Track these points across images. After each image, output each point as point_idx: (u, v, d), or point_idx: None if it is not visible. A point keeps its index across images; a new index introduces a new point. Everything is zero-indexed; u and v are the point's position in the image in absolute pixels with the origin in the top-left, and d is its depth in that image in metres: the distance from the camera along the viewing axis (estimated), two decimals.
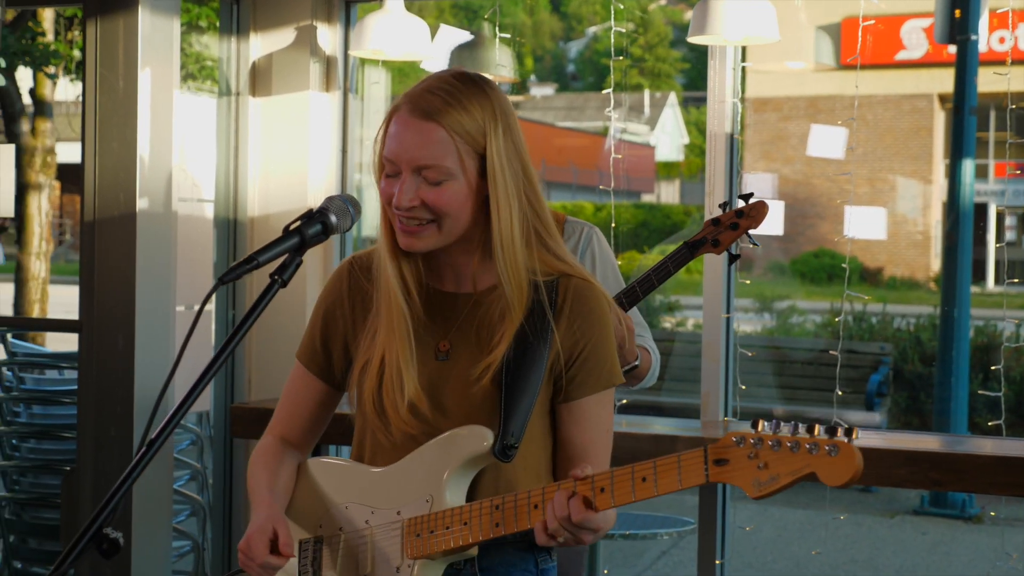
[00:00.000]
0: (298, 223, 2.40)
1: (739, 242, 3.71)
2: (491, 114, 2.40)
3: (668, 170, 38.33)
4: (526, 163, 2.45)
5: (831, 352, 5.48)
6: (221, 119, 5.47)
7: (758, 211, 3.62)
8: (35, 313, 10.97)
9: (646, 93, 40.53)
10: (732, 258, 3.74)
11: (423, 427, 2.44)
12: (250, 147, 5.45)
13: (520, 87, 39.12)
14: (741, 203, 3.65)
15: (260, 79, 5.44)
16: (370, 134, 5.51)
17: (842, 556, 8.18)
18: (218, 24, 5.58)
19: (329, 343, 2.58)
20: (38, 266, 10.97)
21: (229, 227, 5.48)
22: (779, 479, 2.04)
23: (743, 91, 5.02)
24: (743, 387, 4.99)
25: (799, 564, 8.02)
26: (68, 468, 5.24)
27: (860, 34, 4.85)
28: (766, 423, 2.09)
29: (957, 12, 8.71)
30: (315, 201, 5.34)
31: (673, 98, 41.50)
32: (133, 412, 4.89)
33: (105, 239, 4.93)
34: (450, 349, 2.46)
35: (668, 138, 40.51)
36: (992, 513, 8.97)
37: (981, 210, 26.30)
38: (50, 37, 10.94)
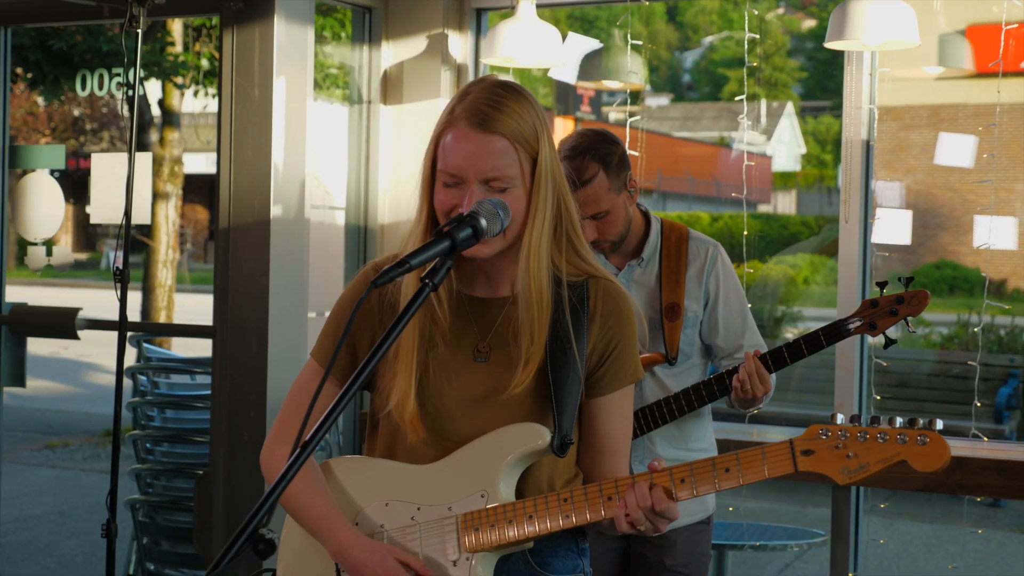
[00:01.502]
0: (449, 227, 2.40)
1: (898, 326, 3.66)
2: (539, 119, 2.49)
3: (785, 180, 37.94)
4: (561, 169, 2.54)
5: (970, 363, 5.37)
6: (352, 127, 5.51)
7: (919, 301, 3.56)
8: (161, 320, 11.16)
9: (763, 103, 40.15)
10: (888, 342, 3.68)
11: (453, 437, 2.49)
12: (381, 155, 5.48)
13: (635, 97, 39.07)
14: (901, 287, 3.60)
15: (391, 87, 5.47)
16: None
17: (972, 572, 8.01)
18: (343, 34, 5.62)
19: (356, 347, 2.61)
20: (164, 274, 11.17)
21: (360, 234, 5.52)
22: (869, 467, 2.22)
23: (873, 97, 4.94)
24: (877, 397, 4.91)
25: None
26: (200, 472, 5.31)
27: (1001, 38, 4.74)
28: (841, 417, 2.27)
29: None
30: None
31: (790, 108, 41.07)
32: (265, 416, 4.94)
33: (239, 245, 4.98)
34: (489, 351, 2.52)
35: (785, 148, 40.10)
36: None
37: None
38: (179, 48, 11.13)
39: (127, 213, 4.51)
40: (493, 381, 2.50)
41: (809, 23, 43.83)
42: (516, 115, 2.46)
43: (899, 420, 2.22)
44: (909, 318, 3.59)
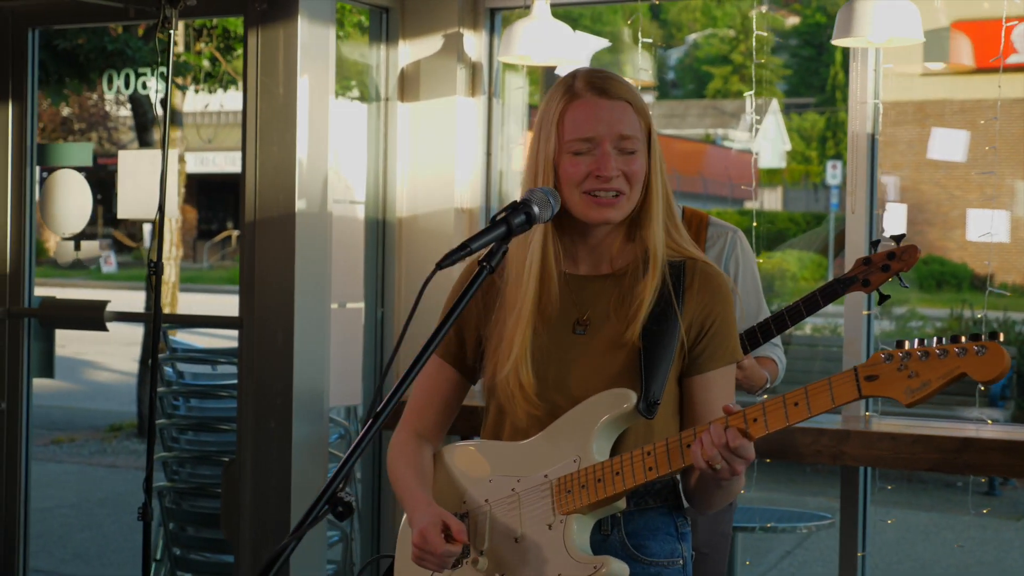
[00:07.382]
0: (504, 214, 2.55)
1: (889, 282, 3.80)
2: (644, 101, 2.67)
3: (770, 177, 38.13)
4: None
5: None
6: (371, 124, 5.66)
7: (909, 255, 3.73)
8: None
9: (748, 99, 40.29)
10: (882, 298, 3.83)
11: (554, 408, 2.62)
12: (399, 151, 5.64)
13: None
14: (892, 244, 3.75)
15: (408, 85, 5.63)
16: (510, 138, 5.68)
17: (970, 557, 8.19)
18: (363, 32, 5.76)
19: (463, 332, 2.77)
20: (169, 271, 11.28)
21: (378, 228, 5.68)
22: (931, 384, 2.22)
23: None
24: None
25: (924, 564, 8.04)
26: (226, 459, 5.46)
27: (1004, 34, 4.90)
28: (908, 341, 2.27)
29: None
30: (461, 202, 5.53)
31: (775, 105, 41.24)
32: (292, 405, 5.09)
33: (265, 239, 5.13)
34: (588, 324, 2.66)
35: (770, 145, 40.26)
36: None
37: None
38: (181, 48, 11.25)
39: (161, 208, 4.66)
40: (590, 350, 2.63)
41: (793, 20, 44.07)
42: (629, 87, 2.66)
43: (964, 337, 2.22)
44: (901, 273, 3.75)
